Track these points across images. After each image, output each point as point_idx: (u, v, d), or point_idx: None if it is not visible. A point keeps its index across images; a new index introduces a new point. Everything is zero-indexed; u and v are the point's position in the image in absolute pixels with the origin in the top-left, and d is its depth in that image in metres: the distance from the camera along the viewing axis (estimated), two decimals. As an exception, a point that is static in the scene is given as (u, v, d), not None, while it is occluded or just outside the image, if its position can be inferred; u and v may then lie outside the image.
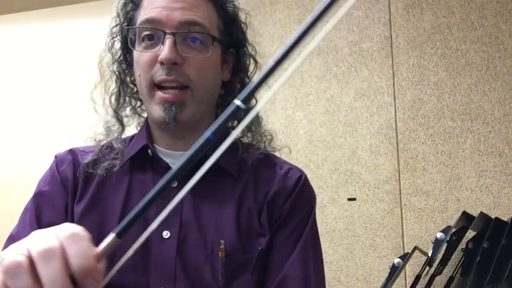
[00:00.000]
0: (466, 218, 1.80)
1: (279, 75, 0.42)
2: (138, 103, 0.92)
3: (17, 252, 0.41)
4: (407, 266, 1.95)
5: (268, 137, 0.92)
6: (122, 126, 0.89)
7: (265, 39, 2.23)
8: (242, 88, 0.91)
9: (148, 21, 0.79)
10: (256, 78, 0.43)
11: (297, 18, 2.21)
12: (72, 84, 2.46)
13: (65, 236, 0.43)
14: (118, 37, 0.87)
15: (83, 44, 2.46)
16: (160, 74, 0.77)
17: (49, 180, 0.85)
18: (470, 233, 1.80)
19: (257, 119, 0.92)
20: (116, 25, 0.87)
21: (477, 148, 1.96)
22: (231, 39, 0.87)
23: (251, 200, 0.81)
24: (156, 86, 0.78)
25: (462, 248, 1.81)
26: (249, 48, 0.91)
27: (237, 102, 0.41)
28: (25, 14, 2.70)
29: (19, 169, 2.56)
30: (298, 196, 0.83)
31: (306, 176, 0.87)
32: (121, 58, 0.88)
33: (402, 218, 2.01)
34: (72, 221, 0.81)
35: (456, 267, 1.81)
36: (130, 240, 0.79)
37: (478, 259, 1.69)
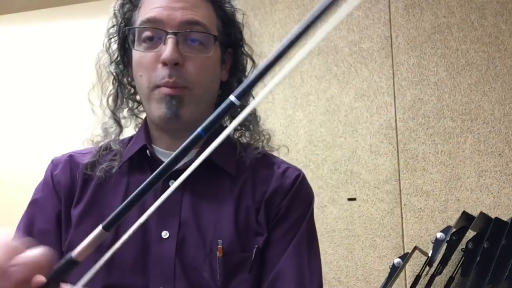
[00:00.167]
0: (466, 218, 1.80)
1: (275, 73, 0.42)
2: (136, 105, 0.92)
3: None
4: (407, 266, 1.95)
5: (266, 137, 0.92)
6: (120, 127, 0.89)
7: (265, 39, 2.23)
8: None
9: (149, 20, 0.79)
10: (252, 75, 0.43)
11: (297, 18, 2.21)
12: (72, 84, 2.46)
13: None
14: (115, 37, 0.87)
15: (83, 44, 2.46)
16: (162, 76, 0.77)
17: (41, 187, 0.86)
18: (470, 233, 1.80)
19: (255, 118, 0.92)
20: (113, 26, 0.87)
21: (477, 148, 1.96)
22: (230, 39, 0.88)
23: (249, 199, 0.81)
24: (158, 87, 0.78)
25: (462, 248, 1.81)
26: (246, 48, 0.91)
27: (232, 98, 0.41)
28: (25, 14, 2.70)
29: (19, 169, 2.56)
30: (295, 194, 0.83)
31: (304, 175, 0.87)
32: (119, 59, 0.88)
33: (402, 218, 2.01)
34: (69, 225, 0.82)
35: (456, 267, 1.81)
36: (128, 238, 0.79)
37: (478, 259, 1.69)
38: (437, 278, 1.78)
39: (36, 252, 0.49)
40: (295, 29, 0.40)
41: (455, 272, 1.80)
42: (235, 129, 0.92)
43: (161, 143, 0.85)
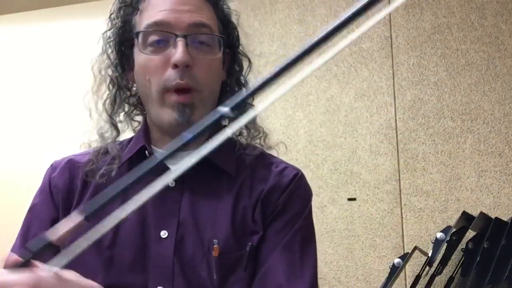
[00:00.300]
0: (466, 218, 1.80)
1: (280, 83, 0.42)
2: (131, 108, 0.92)
3: None
4: (407, 266, 1.95)
5: (263, 134, 0.93)
6: (117, 131, 0.89)
7: (265, 39, 2.23)
8: (239, 88, 0.92)
9: (156, 24, 0.79)
10: (249, 89, 0.43)
11: (297, 18, 2.21)
12: (72, 84, 2.46)
13: None
14: (113, 41, 0.86)
15: (83, 44, 2.46)
16: (174, 78, 0.78)
17: (39, 193, 0.87)
18: (470, 233, 1.80)
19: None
20: (111, 29, 0.86)
21: (477, 148, 1.96)
22: (228, 39, 0.89)
23: (246, 198, 0.82)
24: (168, 90, 0.78)
25: (462, 248, 1.81)
26: (241, 48, 0.92)
27: (223, 109, 0.42)
28: (25, 14, 2.70)
29: (19, 169, 2.56)
30: (293, 191, 0.83)
31: (302, 174, 0.87)
32: (117, 62, 0.87)
33: (402, 218, 2.01)
34: None
35: (456, 267, 1.81)
36: (127, 238, 0.79)
37: (478, 259, 1.69)
38: (437, 278, 1.78)
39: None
40: (302, 46, 0.40)
41: (455, 272, 1.80)
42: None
43: (162, 145, 0.86)
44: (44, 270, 0.49)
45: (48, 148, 2.47)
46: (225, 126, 0.92)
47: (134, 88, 0.90)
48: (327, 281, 2.02)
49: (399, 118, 2.05)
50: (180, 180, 0.82)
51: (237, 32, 0.91)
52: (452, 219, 1.93)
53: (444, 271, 1.79)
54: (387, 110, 2.07)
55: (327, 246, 2.05)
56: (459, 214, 1.80)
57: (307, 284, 0.80)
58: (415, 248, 1.76)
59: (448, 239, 1.73)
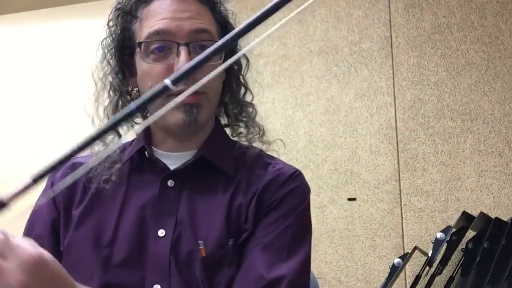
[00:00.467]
0: (466, 218, 1.80)
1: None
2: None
3: None
4: (407, 266, 1.95)
5: (261, 131, 0.93)
6: (119, 136, 0.90)
7: (265, 39, 2.23)
8: (239, 87, 0.93)
9: (158, 32, 0.79)
10: (191, 62, 0.44)
11: (297, 18, 2.21)
12: (72, 84, 2.46)
13: None
14: (113, 49, 0.87)
15: (83, 44, 2.46)
16: (178, 85, 0.78)
17: (42, 193, 0.89)
18: (470, 233, 1.80)
19: (252, 113, 0.93)
20: (110, 36, 0.87)
21: (477, 148, 1.97)
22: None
23: (241, 196, 0.82)
24: (173, 94, 0.79)
25: (462, 248, 1.81)
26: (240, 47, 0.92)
27: (167, 81, 0.42)
28: (25, 14, 2.70)
29: (19, 169, 2.56)
30: (288, 188, 0.83)
31: (300, 173, 0.87)
32: (117, 69, 0.88)
33: (402, 218, 2.01)
34: (68, 225, 0.84)
35: (456, 267, 1.81)
36: (126, 237, 0.80)
37: (478, 259, 1.69)
38: (437, 278, 1.78)
39: None
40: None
41: (455, 272, 1.80)
42: (233, 125, 0.93)
43: (165, 146, 0.87)
44: None
45: (48, 148, 2.47)
46: (225, 126, 0.93)
47: (134, 92, 0.91)
48: (327, 281, 2.02)
49: (399, 118, 2.05)
50: (180, 180, 0.83)
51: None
52: (452, 219, 1.93)
53: (444, 271, 1.79)
54: (387, 110, 2.07)
55: (327, 246, 2.05)
56: (459, 214, 1.80)
57: (291, 273, 0.77)
58: (415, 248, 1.76)
59: (448, 239, 1.73)
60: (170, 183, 0.83)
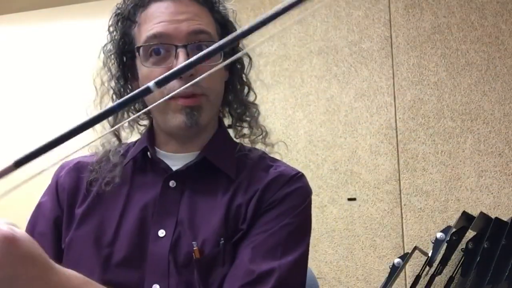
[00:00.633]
0: (466, 218, 1.80)
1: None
2: (134, 113, 0.93)
3: None
4: (407, 266, 1.95)
5: (264, 133, 0.93)
6: (119, 140, 0.90)
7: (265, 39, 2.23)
8: (242, 87, 0.92)
9: (156, 36, 0.80)
10: (178, 66, 0.44)
11: (296, 18, 2.21)
12: (72, 84, 2.46)
13: None
14: (114, 54, 0.87)
15: (83, 44, 2.46)
16: (178, 87, 0.78)
17: (47, 190, 0.90)
18: (470, 233, 1.80)
19: (256, 113, 0.93)
20: (111, 42, 0.87)
21: (477, 148, 1.97)
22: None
23: (241, 197, 0.82)
24: (174, 97, 0.79)
25: (462, 248, 1.81)
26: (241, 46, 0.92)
27: (150, 84, 0.42)
28: (25, 14, 2.70)
29: (18, 169, 2.56)
30: (289, 188, 0.83)
31: (302, 174, 0.87)
32: (119, 74, 0.88)
33: (402, 218, 2.01)
34: (71, 223, 0.84)
35: (456, 267, 1.81)
36: (127, 237, 0.80)
37: (478, 259, 1.69)
38: (437, 278, 1.78)
39: None
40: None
41: (455, 272, 1.80)
42: (236, 126, 0.94)
43: (168, 147, 0.87)
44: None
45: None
46: (229, 127, 0.93)
47: None
48: (327, 281, 2.02)
49: (399, 118, 2.05)
50: (181, 180, 0.83)
51: (235, 30, 0.91)
52: (452, 219, 1.93)
53: (444, 271, 1.79)
54: (387, 110, 2.07)
55: (327, 246, 2.05)
56: (459, 214, 1.80)
57: (283, 268, 0.76)
58: (415, 248, 1.76)
59: (448, 239, 1.73)
60: (172, 183, 0.83)
